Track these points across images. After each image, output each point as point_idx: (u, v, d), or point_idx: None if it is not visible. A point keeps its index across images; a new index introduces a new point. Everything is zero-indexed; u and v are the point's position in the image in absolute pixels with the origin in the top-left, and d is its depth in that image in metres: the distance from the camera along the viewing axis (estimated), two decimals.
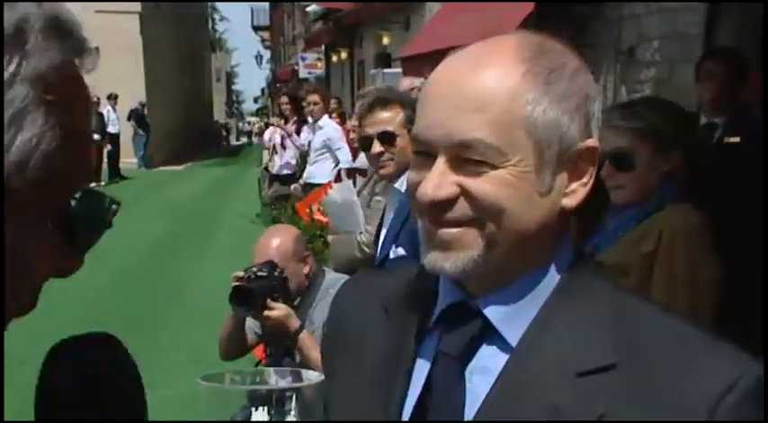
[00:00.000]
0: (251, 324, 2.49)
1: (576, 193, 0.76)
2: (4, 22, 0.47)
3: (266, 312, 2.22)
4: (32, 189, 0.48)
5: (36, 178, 0.48)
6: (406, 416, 0.79)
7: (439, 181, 0.72)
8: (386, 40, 12.49)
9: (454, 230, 0.74)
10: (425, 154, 0.75)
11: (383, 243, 2.44)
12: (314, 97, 6.85)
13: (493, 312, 0.76)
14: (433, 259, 0.75)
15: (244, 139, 40.39)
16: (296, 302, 2.41)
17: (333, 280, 2.43)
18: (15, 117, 0.47)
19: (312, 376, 0.66)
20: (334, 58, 18.17)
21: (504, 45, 0.75)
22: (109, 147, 16.05)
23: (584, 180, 0.76)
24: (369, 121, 2.42)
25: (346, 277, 2.57)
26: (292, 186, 6.43)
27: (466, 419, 0.75)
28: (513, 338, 0.76)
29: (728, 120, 2.91)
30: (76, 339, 0.59)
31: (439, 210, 0.73)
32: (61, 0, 0.51)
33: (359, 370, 0.84)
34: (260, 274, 2.24)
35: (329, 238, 3.10)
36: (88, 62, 0.53)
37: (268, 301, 2.20)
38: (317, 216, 3.67)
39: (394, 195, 2.46)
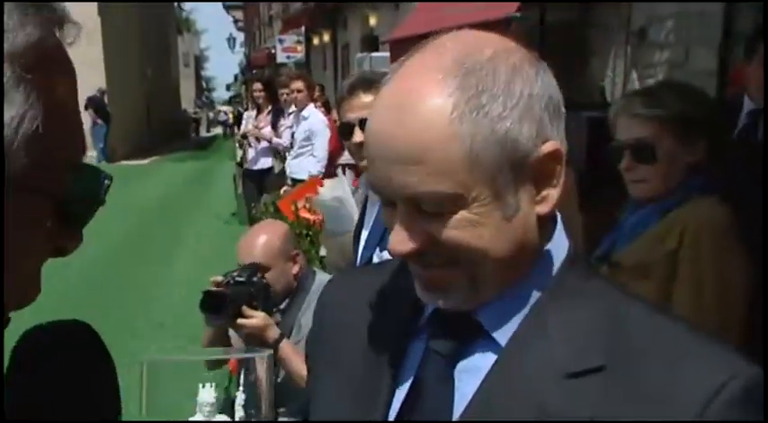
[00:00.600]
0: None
1: (547, 198, 0.79)
2: None
3: (240, 321, 2.20)
4: (21, 170, 0.50)
5: (23, 159, 0.50)
6: (393, 414, 0.84)
7: (403, 235, 0.77)
8: (373, 21, 12.49)
9: (437, 272, 0.79)
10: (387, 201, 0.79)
11: (365, 245, 2.33)
12: (298, 84, 6.81)
13: (483, 313, 0.81)
14: (427, 297, 0.82)
15: (216, 130, 40.17)
16: (283, 306, 2.40)
17: (323, 282, 2.44)
18: None
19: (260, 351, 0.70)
20: (316, 41, 18.18)
21: (426, 81, 0.74)
22: None
23: (554, 182, 0.79)
24: (350, 105, 2.27)
25: None
26: (282, 190, 6.39)
27: (454, 419, 0.80)
28: (502, 339, 0.81)
29: None
30: (51, 324, 0.62)
31: (415, 258, 0.79)
32: None
33: (343, 368, 0.89)
34: (238, 279, 2.22)
35: (323, 239, 3.08)
36: (69, 34, 0.55)
37: (243, 308, 2.18)
38: (303, 213, 3.68)
39: None
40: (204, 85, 68.05)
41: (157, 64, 32.29)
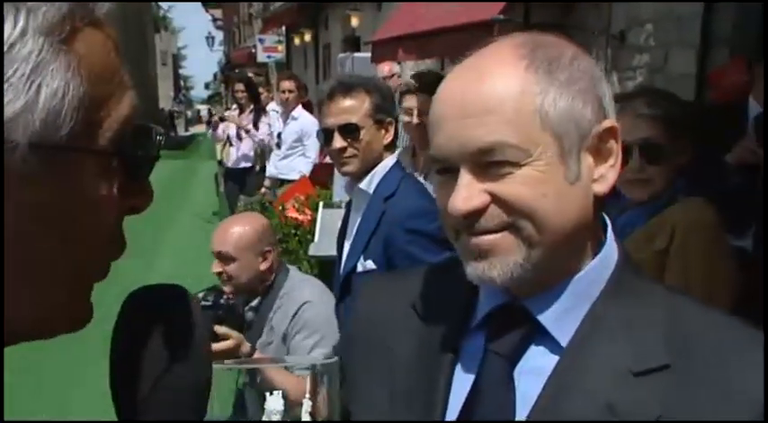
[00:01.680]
0: None
1: (605, 177, 0.81)
2: None
3: (213, 346, 2.11)
4: (73, 134, 0.52)
5: (73, 124, 0.51)
6: (450, 416, 0.83)
7: (467, 193, 0.78)
8: (355, 22, 12.50)
9: (491, 237, 0.78)
10: (448, 170, 0.81)
11: (348, 254, 2.30)
12: (288, 84, 6.81)
13: (542, 312, 0.81)
14: (480, 269, 0.79)
15: (194, 129, 39.81)
16: (255, 303, 2.36)
17: (295, 282, 2.38)
18: (34, 71, 0.49)
19: (318, 357, 0.73)
20: (297, 41, 18.10)
21: (500, 51, 0.81)
22: None
23: (611, 162, 0.81)
24: (329, 110, 2.25)
25: (311, 279, 2.46)
26: (262, 190, 6.41)
27: (516, 420, 0.80)
28: (563, 338, 0.81)
29: None
30: (152, 287, 0.66)
31: (473, 221, 0.78)
32: None
33: (390, 371, 0.88)
34: (204, 303, 2.17)
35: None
36: (101, 3, 0.57)
37: (216, 328, 2.13)
38: (291, 213, 3.70)
39: (360, 198, 2.30)
40: (182, 83, 67.47)
41: (135, 62, 31.95)
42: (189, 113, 46.69)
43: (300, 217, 3.60)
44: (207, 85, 61.79)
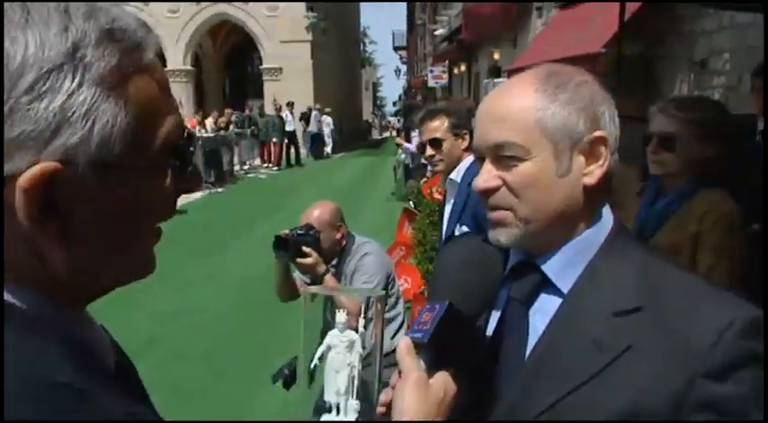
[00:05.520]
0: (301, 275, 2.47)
1: (593, 173, 0.80)
2: (63, 40, 0.47)
3: (299, 260, 2.25)
4: (128, 154, 0.50)
5: (125, 147, 0.50)
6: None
7: (486, 176, 0.81)
8: (497, 56, 12.25)
9: (499, 213, 0.81)
10: (482, 159, 0.83)
11: (448, 223, 2.36)
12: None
13: (548, 268, 0.81)
14: (492, 235, 0.83)
15: (386, 134, 41.00)
16: (334, 262, 2.41)
17: (359, 243, 2.50)
18: (88, 112, 0.48)
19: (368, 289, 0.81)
20: (456, 71, 18.04)
21: (524, 77, 0.82)
22: (286, 141, 17.25)
23: (600, 162, 0.80)
24: (422, 130, 2.44)
25: (368, 240, 2.56)
26: (423, 179, 6.63)
27: (528, 347, 0.81)
28: (564, 287, 0.80)
29: None
30: None
31: (489, 196, 0.81)
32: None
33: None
34: (299, 232, 2.30)
35: None
36: (149, 48, 0.53)
37: (303, 248, 2.23)
38: (436, 195, 3.87)
39: (452, 185, 2.42)
40: (378, 102, 69.49)
41: (348, 90, 33.50)
42: (382, 123, 48.09)
43: (441, 199, 3.78)
44: (394, 103, 63.14)
